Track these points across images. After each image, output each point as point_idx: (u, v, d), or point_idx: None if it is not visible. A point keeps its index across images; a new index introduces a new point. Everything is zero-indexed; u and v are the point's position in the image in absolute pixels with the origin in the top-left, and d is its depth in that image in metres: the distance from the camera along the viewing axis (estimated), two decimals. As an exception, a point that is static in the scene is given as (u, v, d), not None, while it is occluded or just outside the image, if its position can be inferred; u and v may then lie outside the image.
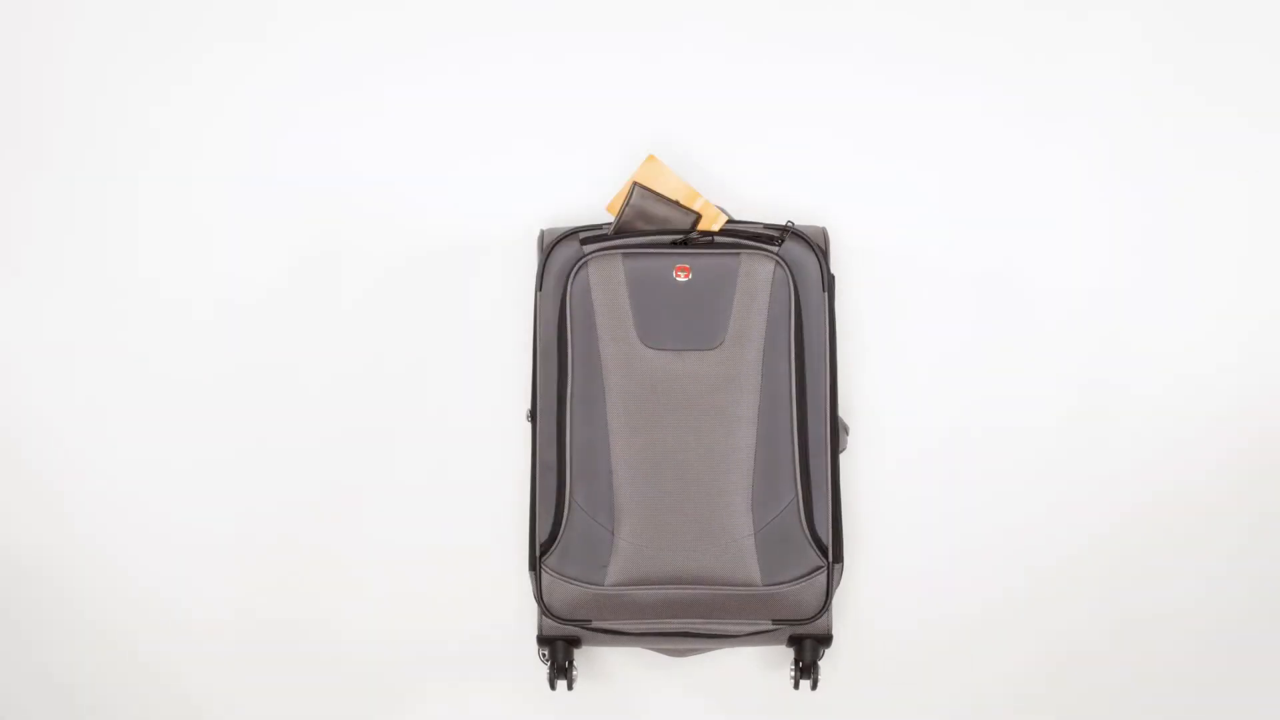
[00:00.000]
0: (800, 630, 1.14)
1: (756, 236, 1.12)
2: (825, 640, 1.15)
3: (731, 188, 1.22)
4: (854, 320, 1.23)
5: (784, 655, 1.23)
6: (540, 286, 1.13)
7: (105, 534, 1.28)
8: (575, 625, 1.12)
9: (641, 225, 1.13)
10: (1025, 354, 1.25)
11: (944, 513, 1.26)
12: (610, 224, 1.13)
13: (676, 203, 1.13)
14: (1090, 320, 1.25)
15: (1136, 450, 1.26)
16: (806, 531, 1.11)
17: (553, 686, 1.15)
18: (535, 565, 1.13)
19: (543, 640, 1.16)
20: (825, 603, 1.12)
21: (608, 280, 1.10)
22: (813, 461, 1.12)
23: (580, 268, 1.11)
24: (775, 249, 1.11)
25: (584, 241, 1.11)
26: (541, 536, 1.13)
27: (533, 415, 1.15)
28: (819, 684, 1.16)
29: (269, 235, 1.26)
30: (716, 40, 1.25)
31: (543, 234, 1.16)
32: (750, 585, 1.10)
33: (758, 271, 1.11)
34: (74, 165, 1.26)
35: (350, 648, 1.28)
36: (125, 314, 1.27)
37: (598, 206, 1.21)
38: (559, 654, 1.15)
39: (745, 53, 1.25)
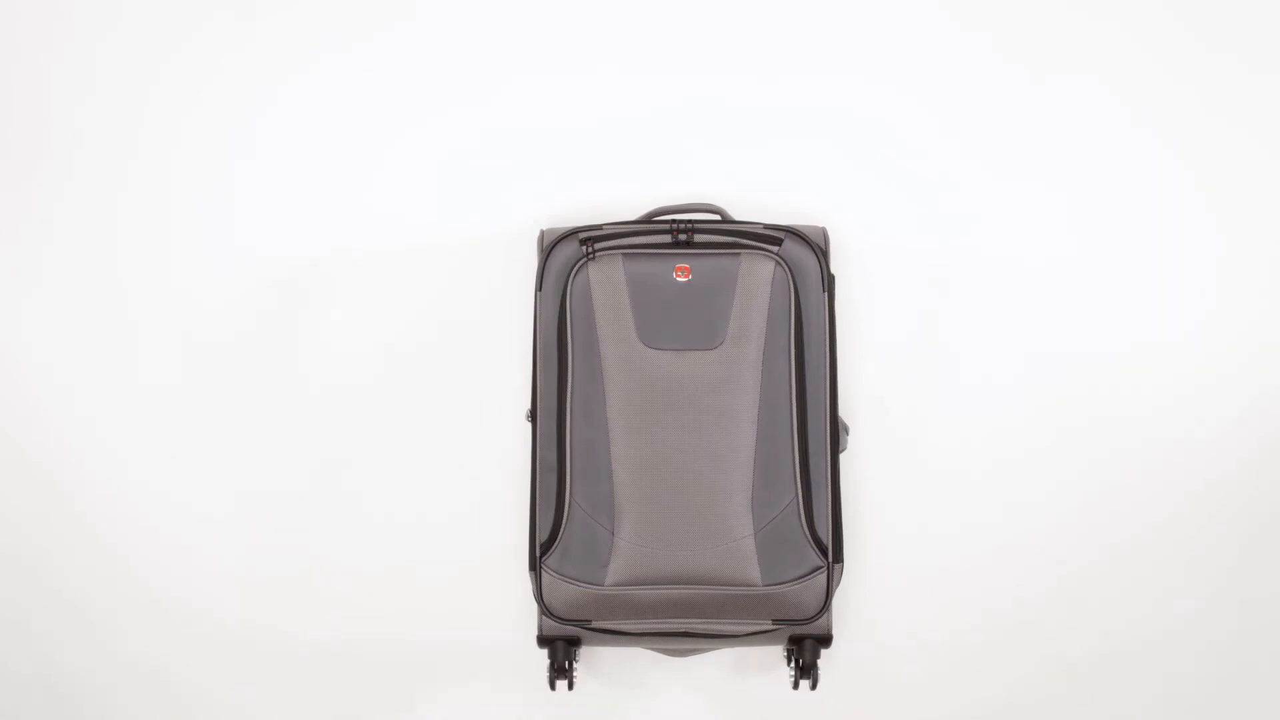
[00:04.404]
0: (800, 630, 1.14)
1: (756, 236, 1.12)
2: (825, 640, 1.15)
3: (732, 187, 1.22)
4: (854, 320, 1.23)
5: (784, 655, 1.23)
6: (540, 286, 1.13)
7: (105, 540, 1.28)
8: (575, 625, 1.12)
9: None
10: (1026, 355, 1.25)
11: (944, 513, 1.26)
12: (611, 224, 1.13)
13: None
14: (1092, 321, 1.25)
15: (1141, 453, 1.25)
16: (806, 532, 1.11)
17: (552, 686, 1.15)
18: (535, 565, 1.13)
19: (543, 640, 1.16)
20: (825, 603, 1.12)
21: (608, 280, 1.10)
22: (813, 461, 1.12)
23: (580, 268, 1.11)
24: (775, 249, 1.11)
25: (584, 241, 1.11)
26: (541, 536, 1.12)
27: (533, 415, 1.14)
28: (819, 684, 1.16)
29: (270, 234, 1.27)
30: (717, 42, 1.25)
31: (543, 234, 1.16)
32: (750, 585, 1.10)
33: (758, 271, 1.11)
34: (68, 157, 1.27)
35: (349, 647, 1.28)
36: (127, 313, 1.27)
37: (598, 206, 1.21)
38: (559, 654, 1.15)
39: (746, 53, 1.25)
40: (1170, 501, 1.26)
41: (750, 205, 1.21)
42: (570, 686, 1.16)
